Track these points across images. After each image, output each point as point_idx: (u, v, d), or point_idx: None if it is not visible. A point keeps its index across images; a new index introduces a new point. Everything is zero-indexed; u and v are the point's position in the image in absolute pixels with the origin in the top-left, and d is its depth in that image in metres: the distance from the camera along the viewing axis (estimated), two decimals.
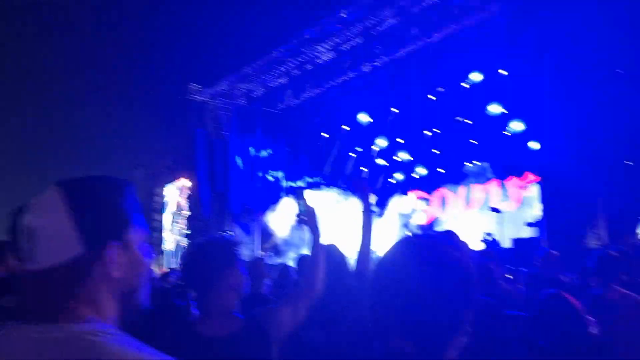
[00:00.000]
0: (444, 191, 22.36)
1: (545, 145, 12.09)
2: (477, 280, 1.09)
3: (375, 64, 16.06)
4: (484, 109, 18.09)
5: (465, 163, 20.63)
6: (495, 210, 14.69)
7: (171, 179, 24.60)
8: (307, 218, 2.45)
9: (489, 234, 17.12)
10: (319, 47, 15.89)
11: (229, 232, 18.92)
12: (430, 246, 1.08)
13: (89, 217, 0.99)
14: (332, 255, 2.82)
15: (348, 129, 21.64)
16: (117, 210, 1.04)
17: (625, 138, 10.60)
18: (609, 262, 4.24)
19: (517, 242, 11.77)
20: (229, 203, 19.40)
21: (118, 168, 28.78)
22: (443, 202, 22.40)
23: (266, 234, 19.55)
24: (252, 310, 2.14)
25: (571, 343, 2.89)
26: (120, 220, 1.05)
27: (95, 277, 1.01)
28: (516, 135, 14.67)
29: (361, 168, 22.49)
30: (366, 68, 16.32)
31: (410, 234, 1.15)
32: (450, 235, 2.63)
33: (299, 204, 2.48)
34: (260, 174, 20.30)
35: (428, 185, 22.79)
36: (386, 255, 1.12)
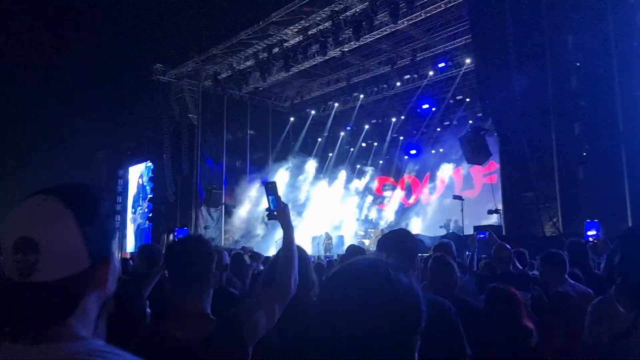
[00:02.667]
0: (410, 177, 22.64)
1: (506, 136, 12.27)
2: (421, 310, 1.06)
3: (344, 48, 15.97)
4: (451, 96, 18.33)
5: (432, 151, 20.91)
6: (457, 197, 14.92)
7: (135, 161, 24.12)
8: (277, 214, 2.32)
9: (449, 220, 17.44)
10: (287, 30, 15.69)
11: (194, 216, 18.72)
12: (370, 279, 1.04)
13: (94, 231, 0.97)
14: (300, 253, 2.77)
15: (314, 112, 21.65)
16: (110, 223, 1.03)
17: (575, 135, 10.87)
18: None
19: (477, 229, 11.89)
20: (194, 187, 19.13)
21: (81, 149, 28.08)
22: (409, 188, 22.69)
23: (231, 219, 19.40)
24: (225, 311, 2.07)
25: (505, 333, 2.99)
26: (112, 232, 1.04)
27: (90, 292, 0.99)
28: (481, 124, 14.84)
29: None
30: (335, 52, 16.22)
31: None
32: (406, 238, 2.61)
33: (269, 200, 2.36)
34: (227, 158, 20.06)
35: (395, 172, 23.05)
36: (328, 287, 1.10)
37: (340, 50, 16.14)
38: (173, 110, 19.39)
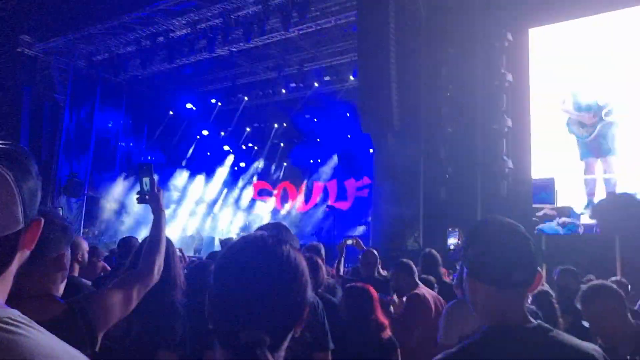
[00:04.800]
0: (287, 185, 22.90)
1: (380, 154, 12.94)
2: (307, 280, 1.09)
3: (233, 48, 15.76)
4: (332, 108, 18.91)
5: (310, 160, 21.36)
6: (331, 208, 15.36)
7: None
8: (149, 197, 2.21)
9: (320, 228, 17.92)
10: (174, 21, 15.10)
11: (50, 205, 17.09)
12: (265, 249, 1.07)
13: (28, 191, 0.96)
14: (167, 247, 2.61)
15: (194, 108, 21.03)
16: (39, 184, 1.02)
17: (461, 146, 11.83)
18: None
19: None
20: (54, 173, 17.50)
21: None
22: (285, 195, 22.92)
23: (95, 212, 18.06)
24: (75, 295, 1.88)
25: (360, 326, 3.16)
26: (39, 194, 1.02)
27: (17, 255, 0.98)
28: (359, 139, 15.48)
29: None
30: (223, 51, 15.94)
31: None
32: (282, 230, 2.62)
33: (142, 182, 2.23)
34: (96, 146, 18.66)
35: (272, 178, 23.15)
36: (224, 257, 1.09)
37: (228, 50, 15.90)
38: (37, 87, 17.62)
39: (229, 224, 21.39)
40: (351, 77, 16.91)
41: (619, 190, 10.51)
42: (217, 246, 18.44)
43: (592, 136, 11.03)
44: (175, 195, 19.95)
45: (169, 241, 2.62)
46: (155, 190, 2.21)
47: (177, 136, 21.25)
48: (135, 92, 19.78)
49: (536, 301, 3.42)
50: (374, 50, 12.62)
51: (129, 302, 1.94)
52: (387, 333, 3.26)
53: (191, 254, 15.56)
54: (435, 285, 4.77)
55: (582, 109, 11.25)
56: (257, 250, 1.06)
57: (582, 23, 11.55)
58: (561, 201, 11.27)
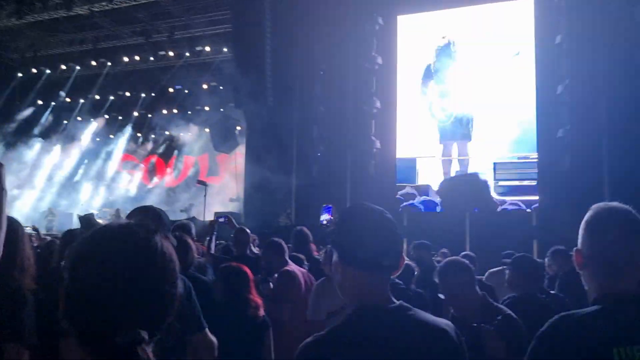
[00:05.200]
0: (155, 159, 21.85)
1: (253, 128, 12.85)
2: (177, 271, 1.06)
3: (94, 8, 14.45)
4: (205, 79, 18.29)
5: (180, 134, 20.52)
6: (202, 183, 14.94)
7: None
8: None
9: (191, 205, 17.42)
10: None
11: None
12: (137, 242, 1.01)
13: None
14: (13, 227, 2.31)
15: (49, 71, 19.06)
16: None
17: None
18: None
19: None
20: None
21: None
22: (153, 169, 21.87)
23: None
24: None
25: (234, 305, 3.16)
26: None
27: None
28: (232, 113, 15.18)
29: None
30: (82, 10, 14.55)
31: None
32: (151, 217, 2.47)
33: None
34: None
35: (139, 151, 21.93)
36: (86, 249, 1.01)
37: (89, 9, 14.55)
38: None
39: (90, 199, 19.90)
40: (225, 49, 16.45)
41: (470, 171, 11.60)
42: (75, 223, 17.08)
43: (450, 121, 12.00)
44: (23, 168, 18.03)
45: (16, 222, 2.40)
46: None
47: (26, 103, 19.12)
48: None
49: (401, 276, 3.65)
50: (248, 25, 12.39)
51: None
52: (261, 312, 3.28)
53: (44, 232, 14.24)
54: (305, 262, 4.88)
55: (443, 95, 12.16)
56: (128, 243, 1.00)
57: (447, 14, 12.40)
58: (421, 180, 12.16)
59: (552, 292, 3.90)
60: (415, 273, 3.95)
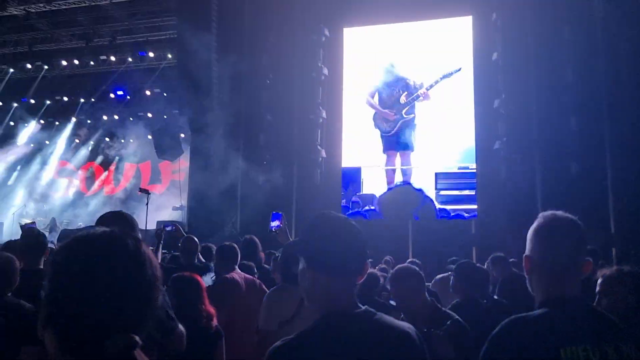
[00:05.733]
0: (94, 166, 21.08)
1: (199, 135, 12.68)
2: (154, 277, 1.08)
3: (30, 9, 13.86)
4: (148, 85, 17.86)
5: (121, 140, 19.92)
6: (144, 191, 14.56)
7: None
8: None
9: (132, 213, 16.91)
10: None
11: None
12: (124, 248, 1.05)
13: None
14: None
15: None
16: None
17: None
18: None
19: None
20: None
21: None
22: (92, 177, 21.08)
23: None
24: None
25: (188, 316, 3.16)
26: None
27: None
28: (175, 119, 14.91)
29: None
30: (17, 10, 13.93)
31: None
32: (123, 222, 2.44)
33: None
34: None
35: (77, 158, 21.10)
36: (69, 257, 1.03)
37: (24, 10, 13.95)
38: None
39: (22, 208, 18.91)
40: (169, 55, 16.16)
41: (413, 179, 11.96)
42: (5, 233, 16.18)
43: (393, 131, 12.33)
44: None
45: None
46: None
47: None
48: None
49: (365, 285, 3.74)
50: (194, 32, 12.24)
51: None
52: (214, 322, 3.27)
53: None
54: (255, 270, 4.89)
55: (386, 106, 12.48)
56: (117, 250, 1.04)
57: (391, 28, 12.78)
58: (366, 189, 12.41)
59: (495, 297, 4.08)
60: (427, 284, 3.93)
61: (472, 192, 11.40)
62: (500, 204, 10.28)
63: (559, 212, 1.62)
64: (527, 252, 1.62)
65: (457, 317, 2.82)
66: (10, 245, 4.47)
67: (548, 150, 10.11)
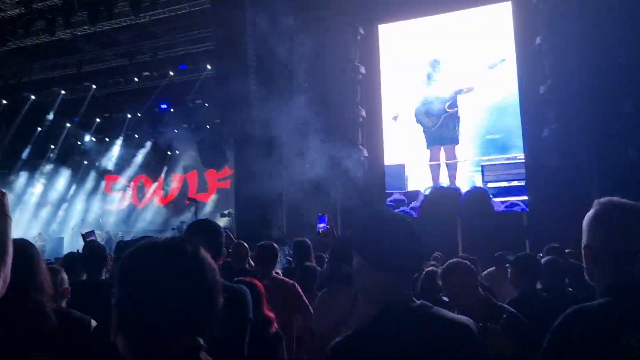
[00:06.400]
0: (143, 178, 21.72)
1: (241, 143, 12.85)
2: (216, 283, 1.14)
3: (77, 32, 14.43)
4: (189, 97, 18.29)
5: (168, 152, 20.46)
6: (192, 200, 14.92)
7: None
8: None
9: (182, 223, 17.35)
10: None
11: None
12: (195, 255, 1.12)
13: None
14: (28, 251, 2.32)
15: (33, 97, 18.92)
16: None
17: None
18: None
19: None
20: None
21: None
22: (142, 189, 21.73)
23: None
24: None
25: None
26: None
27: None
28: (218, 129, 15.19)
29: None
30: (65, 34, 14.52)
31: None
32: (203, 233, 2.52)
33: None
34: None
35: (127, 172, 21.79)
36: (131, 260, 1.11)
37: (71, 33, 14.53)
38: None
39: (80, 223, 19.72)
40: (208, 66, 16.48)
41: (458, 173, 11.72)
42: (66, 248, 16.89)
43: (437, 126, 12.12)
44: (11, 196, 17.86)
45: (32, 246, 2.37)
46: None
47: (12, 129, 18.96)
48: None
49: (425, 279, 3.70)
50: (231, 41, 12.43)
51: None
52: (274, 327, 3.28)
53: None
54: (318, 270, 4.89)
55: (427, 101, 12.29)
56: (175, 256, 1.10)
57: (427, 21, 12.57)
58: (411, 186, 12.25)
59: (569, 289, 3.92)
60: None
61: (522, 183, 11.06)
62: (552, 194, 9.90)
63: (616, 198, 1.54)
64: (585, 241, 1.55)
65: (513, 310, 2.74)
66: (70, 257, 4.62)
67: (601, 135, 9.68)
